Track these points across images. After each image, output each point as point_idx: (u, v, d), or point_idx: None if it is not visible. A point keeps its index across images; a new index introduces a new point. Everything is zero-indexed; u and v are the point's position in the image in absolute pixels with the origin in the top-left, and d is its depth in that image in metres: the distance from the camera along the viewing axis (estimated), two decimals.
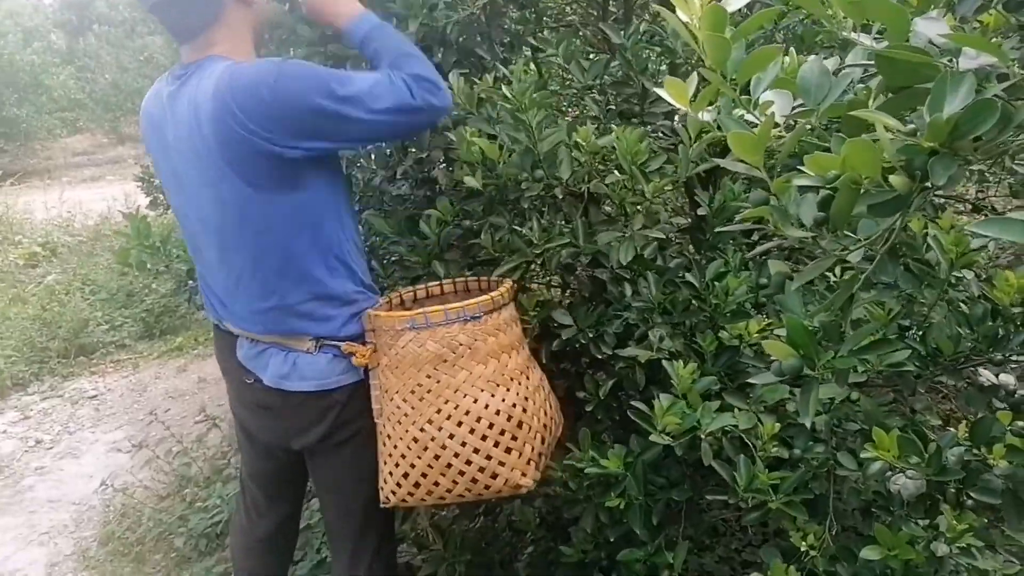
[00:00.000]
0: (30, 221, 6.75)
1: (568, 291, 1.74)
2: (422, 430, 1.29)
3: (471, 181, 1.52)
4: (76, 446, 3.08)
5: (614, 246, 1.44)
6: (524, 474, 1.29)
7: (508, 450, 1.28)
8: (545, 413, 1.37)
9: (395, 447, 1.32)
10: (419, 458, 1.29)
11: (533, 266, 1.55)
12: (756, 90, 0.62)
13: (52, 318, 4.03)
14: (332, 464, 1.44)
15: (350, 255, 1.38)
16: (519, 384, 1.33)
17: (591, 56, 2.02)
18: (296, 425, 1.40)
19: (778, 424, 1.32)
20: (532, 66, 2.29)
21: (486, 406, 1.28)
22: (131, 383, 3.69)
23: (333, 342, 1.34)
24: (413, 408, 1.30)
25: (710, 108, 0.65)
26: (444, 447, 1.28)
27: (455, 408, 1.28)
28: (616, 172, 1.40)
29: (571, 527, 1.59)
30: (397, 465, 1.32)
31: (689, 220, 1.77)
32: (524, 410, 1.31)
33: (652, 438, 1.29)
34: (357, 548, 1.51)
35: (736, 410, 1.38)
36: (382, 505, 1.37)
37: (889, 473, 1.26)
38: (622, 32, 1.61)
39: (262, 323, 1.34)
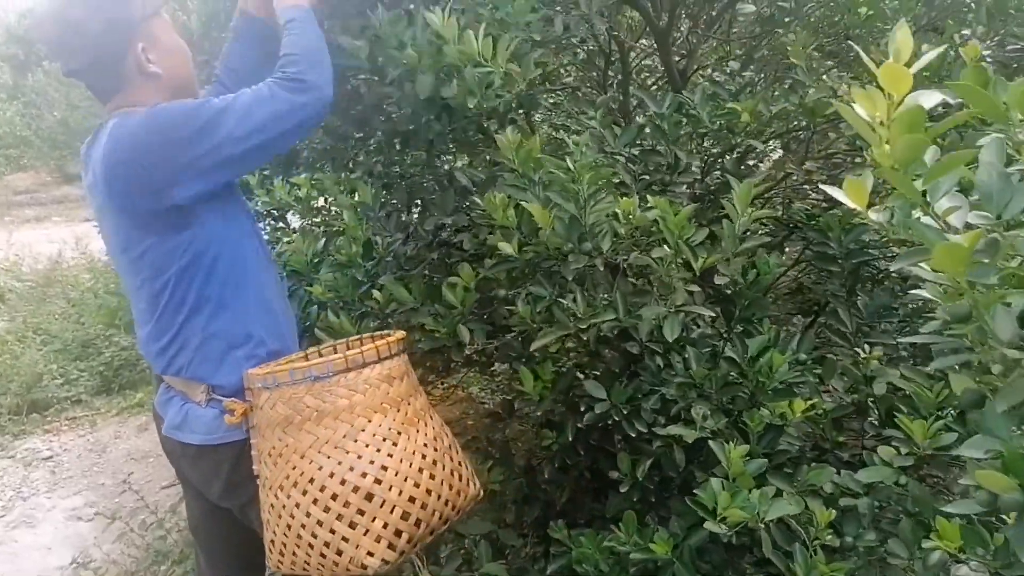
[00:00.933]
0: None
1: (593, 363, 1.68)
2: (276, 496, 1.23)
3: (506, 247, 1.47)
4: (31, 514, 2.84)
5: (654, 321, 1.40)
6: (371, 553, 1.17)
7: (352, 524, 1.18)
8: (416, 485, 1.23)
9: (264, 512, 1.29)
10: (277, 526, 1.24)
11: (569, 339, 1.50)
12: (935, 194, 0.59)
13: (3, 371, 3.78)
14: (251, 524, 1.41)
15: (249, 298, 1.37)
16: (376, 451, 1.21)
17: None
18: (196, 476, 1.42)
19: (834, 512, 1.28)
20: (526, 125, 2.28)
21: (331, 474, 1.19)
22: (89, 443, 3.45)
23: (220, 396, 1.34)
24: (270, 472, 1.25)
25: (882, 210, 0.62)
26: (293, 516, 1.21)
27: (300, 475, 1.21)
28: (665, 247, 1.37)
29: None
30: (266, 531, 1.28)
31: (700, 290, 1.75)
32: (377, 480, 1.19)
33: (708, 526, 1.24)
34: None
35: (783, 494, 1.34)
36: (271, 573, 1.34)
37: (950, 564, 1.22)
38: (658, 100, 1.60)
39: (164, 362, 1.36)
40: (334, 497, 1.18)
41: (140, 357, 3.96)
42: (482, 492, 1.44)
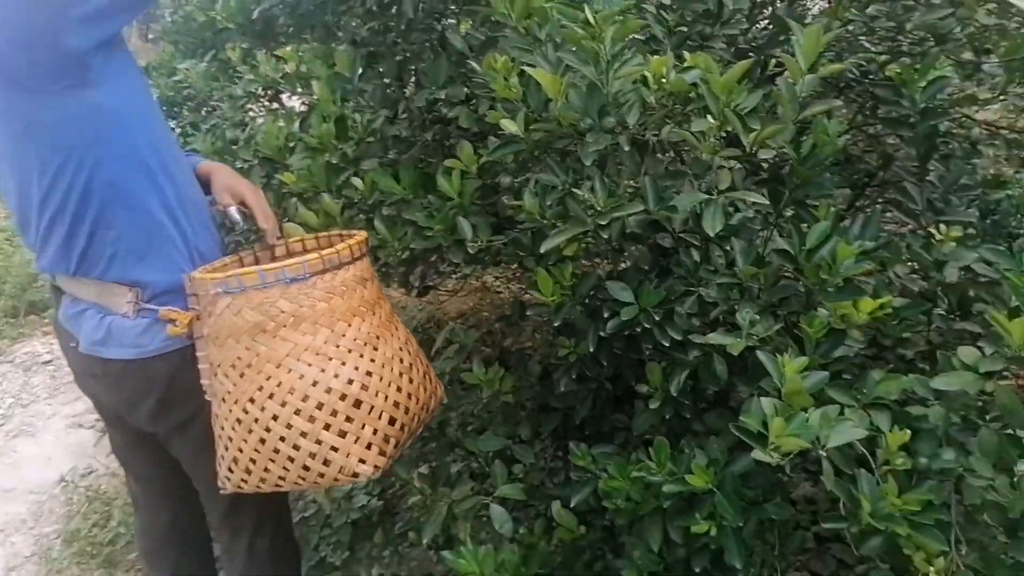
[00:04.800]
0: None
1: (616, 260, 1.44)
2: (245, 411, 1.14)
3: (510, 125, 1.21)
4: (31, 422, 2.75)
5: (696, 211, 1.15)
6: (363, 460, 1.13)
7: (342, 433, 1.12)
8: (399, 389, 1.20)
9: (222, 428, 1.18)
10: (245, 441, 1.14)
11: (589, 236, 1.25)
12: None
13: None
14: (185, 448, 1.32)
15: (170, 186, 1.19)
16: (360, 356, 1.16)
17: None
18: (122, 397, 1.27)
19: (908, 432, 1.08)
20: None
21: (314, 383, 1.12)
22: None
23: (153, 305, 1.19)
24: (235, 385, 1.15)
25: None
26: (268, 429, 1.12)
27: (277, 385, 1.12)
28: (709, 117, 1.09)
29: (626, 539, 1.36)
30: (227, 448, 1.18)
31: (739, 164, 1.48)
32: (364, 387, 1.15)
33: (756, 455, 1.03)
34: (234, 528, 1.40)
35: (844, 409, 1.13)
36: (220, 491, 1.22)
37: None
38: None
39: (70, 264, 1.17)
40: (320, 406, 1.11)
41: None
42: (446, 398, 1.43)
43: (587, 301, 1.33)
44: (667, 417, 1.31)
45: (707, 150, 1.12)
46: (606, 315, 1.27)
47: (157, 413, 1.24)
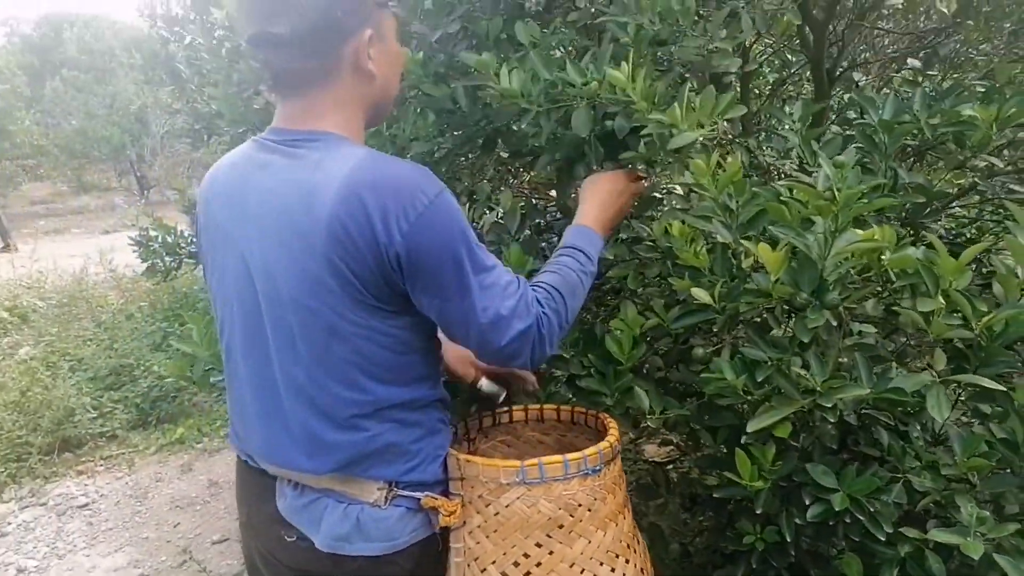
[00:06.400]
0: None
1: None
2: None
3: (702, 295, 1.16)
4: None
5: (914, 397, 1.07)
6: None
7: None
8: None
9: None
10: None
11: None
12: None
13: (34, 405, 3.46)
14: None
15: (436, 376, 1.11)
16: (634, 552, 1.10)
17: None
18: None
19: None
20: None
21: None
22: (127, 486, 3.13)
23: (408, 492, 1.03)
24: None
25: None
26: None
27: None
28: (940, 297, 1.04)
29: None
30: None
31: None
32: None
33: None
34: None
35: None
36: None
37: None
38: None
39: (326, 460, 1.01)
40: None
41: (181, 388, 3.65)
42: None
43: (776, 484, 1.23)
44: None
45: (936, 330, 1.05)
46: (808, 501, 1.16)
47: None
